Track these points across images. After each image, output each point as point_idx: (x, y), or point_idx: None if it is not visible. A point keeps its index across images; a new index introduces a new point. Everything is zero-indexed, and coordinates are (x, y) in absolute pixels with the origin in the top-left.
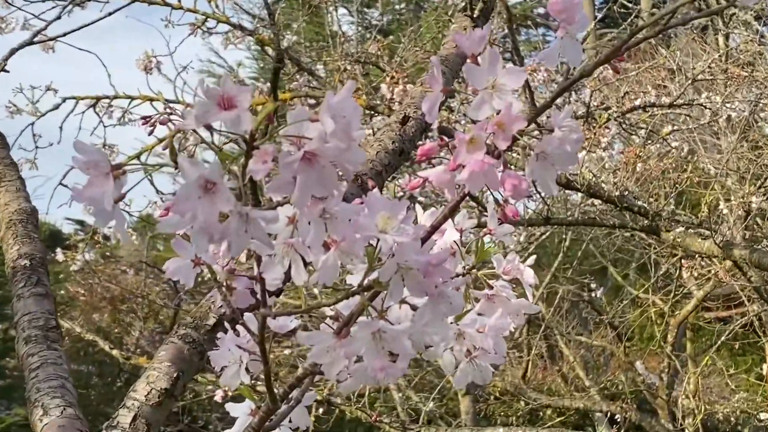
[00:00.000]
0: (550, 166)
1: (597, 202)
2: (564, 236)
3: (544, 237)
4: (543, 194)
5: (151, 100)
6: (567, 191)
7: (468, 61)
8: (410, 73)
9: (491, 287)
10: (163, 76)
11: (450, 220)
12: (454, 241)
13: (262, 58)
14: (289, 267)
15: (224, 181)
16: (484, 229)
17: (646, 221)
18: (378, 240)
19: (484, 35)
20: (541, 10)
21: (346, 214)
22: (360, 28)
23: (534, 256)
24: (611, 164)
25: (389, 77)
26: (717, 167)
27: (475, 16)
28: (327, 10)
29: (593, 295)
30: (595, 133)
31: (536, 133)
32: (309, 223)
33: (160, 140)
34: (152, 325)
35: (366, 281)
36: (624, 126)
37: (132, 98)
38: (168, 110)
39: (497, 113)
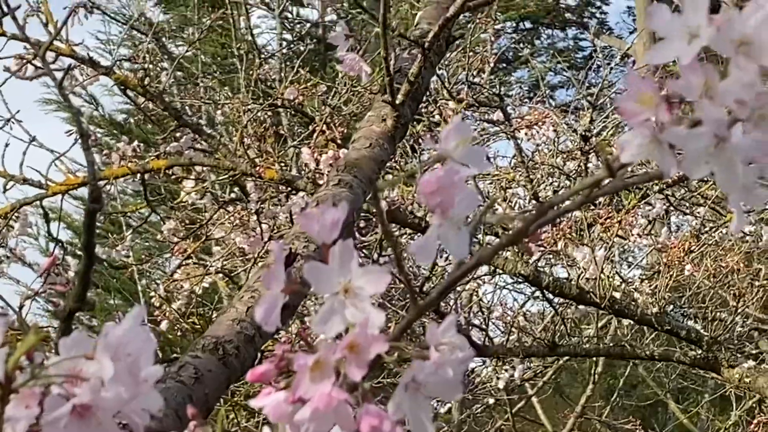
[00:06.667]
0: (424, 399)
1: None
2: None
3: (557, 366)
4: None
5: None
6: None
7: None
8: (353, 120)
9: None
10: None
11: None
12: None
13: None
14: None
15: None
16: None
17: (699, 351)
18: None
19: (338, 219)
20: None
21: None
22: (284, 41)
23: None
24: (651, 261)
25: (319, 131)
26: None
27: (398, 102)
28: (232, 10)
29: None
30: (620, 221)
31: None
32: None
33: None
34: None
35: None
36: (672, 201)
37: None
38: None
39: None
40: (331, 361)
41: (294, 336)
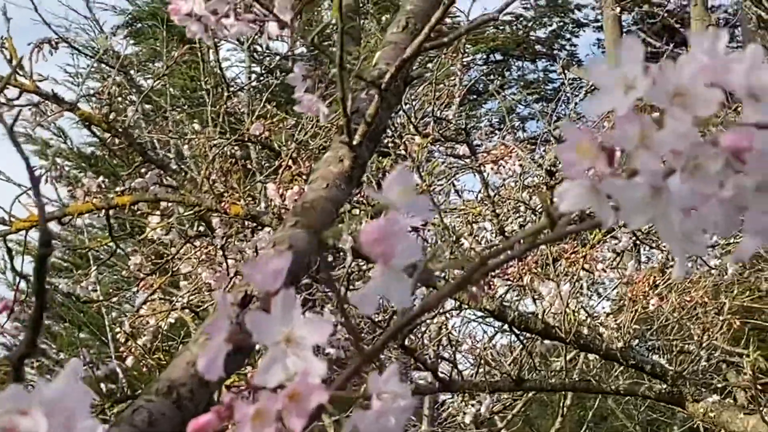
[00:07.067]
0: None
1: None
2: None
3: (526, 399)
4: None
5: None
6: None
7: (254, 304)
8: (320, 154)
9: None
10: None
11: None
12: None
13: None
14: None
15: None
16: None
17: (664, 386)
18: None
19: (280, 268)
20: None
21: None
22: (254, 74)
23: None
24: (620, 293)
25: (285, 166)
26: None
27: (355, 143)
28: (201, 43)
29: None
30: (584, 256)
31: None
32: None
33: None
34: None
35: None
36: (638, 235)
37: None
38: None
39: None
40: (272, 410)
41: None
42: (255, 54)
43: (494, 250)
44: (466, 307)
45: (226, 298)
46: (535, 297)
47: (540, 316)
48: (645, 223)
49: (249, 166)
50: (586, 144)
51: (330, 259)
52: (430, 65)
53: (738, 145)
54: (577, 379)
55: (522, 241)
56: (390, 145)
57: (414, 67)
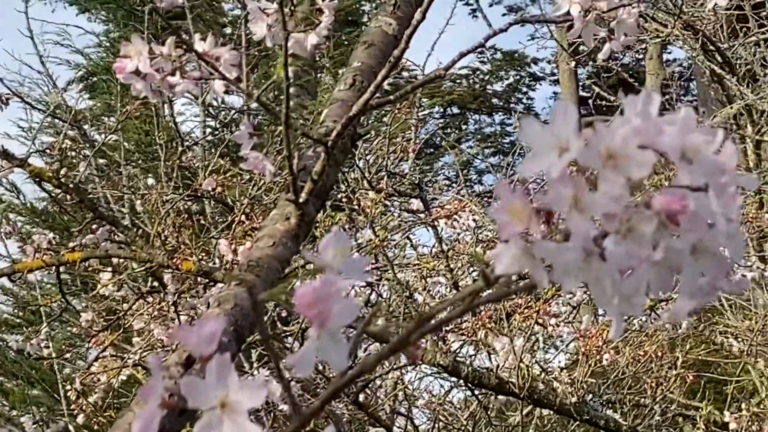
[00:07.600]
0: None
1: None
2: None
3: None
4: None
5: None
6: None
7: (194, 366)
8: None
9: None
10: None
11: None
12: None
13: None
14: None
15: None
16: None
17: None
18: None
19: (215, 331)
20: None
21: None
22: (208, 128)
23: None
24: (572, 348)
25: (238, 221)
26: (746, 340)
27: (301, 200)
28: (156, 105)
29: None
30: (538, 311)
31: None
32: None
33: None
34: None
35: None
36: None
37: None
38: None
39: None
40: None
41: None
42: (210, 108)
43: (430, 311)
44: (420, 362)
45: (159, 362)
46: (490, 352)
47: (494, 371)
48: (577, 285)
49: (203, 221)
50: (518, 206)
51: (285, 314)
52: (385, 119)
53: (671, 207)
54: None
55: (462, 301)
56: (344, 200)
57: (369, 122)
